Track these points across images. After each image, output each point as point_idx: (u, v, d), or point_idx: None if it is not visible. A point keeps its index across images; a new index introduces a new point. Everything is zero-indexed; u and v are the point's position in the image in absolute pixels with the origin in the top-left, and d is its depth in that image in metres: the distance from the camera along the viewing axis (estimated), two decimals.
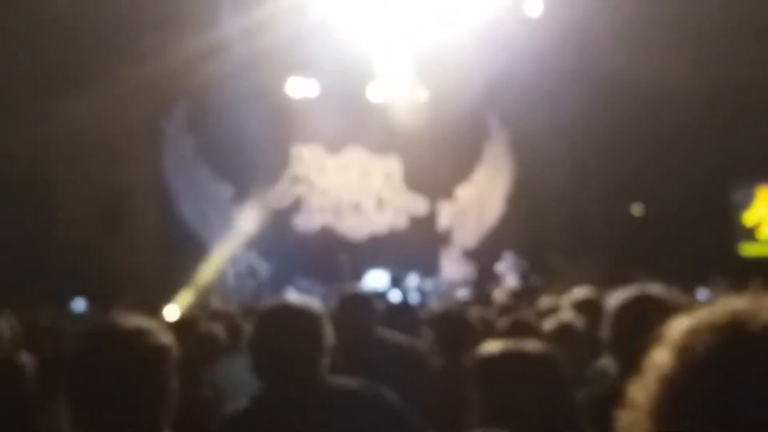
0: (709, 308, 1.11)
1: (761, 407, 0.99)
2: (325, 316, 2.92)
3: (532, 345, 2.58)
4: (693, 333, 1.07)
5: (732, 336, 1.04)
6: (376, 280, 12.20)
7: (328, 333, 2.88)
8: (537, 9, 15.09)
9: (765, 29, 15.36)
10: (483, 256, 18.08)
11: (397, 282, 5.91)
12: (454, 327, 4.76)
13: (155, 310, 11.28)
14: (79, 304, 13.52)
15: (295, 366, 2.78)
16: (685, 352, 1.06)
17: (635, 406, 1.10)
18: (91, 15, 13.54)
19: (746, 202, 19.91)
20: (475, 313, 5.99)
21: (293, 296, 3.30)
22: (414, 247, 17.75)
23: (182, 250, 16.45)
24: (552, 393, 2.45)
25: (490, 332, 4.89)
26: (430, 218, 19.06)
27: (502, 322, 5.34)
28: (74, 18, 13.47)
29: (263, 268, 16.87)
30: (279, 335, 2.80)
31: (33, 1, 13.22)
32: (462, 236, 19.22)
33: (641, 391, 1.11)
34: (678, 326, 1.11)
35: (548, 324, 4.91)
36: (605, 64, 16.48)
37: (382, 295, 4.71)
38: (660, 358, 1.10)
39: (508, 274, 16.10)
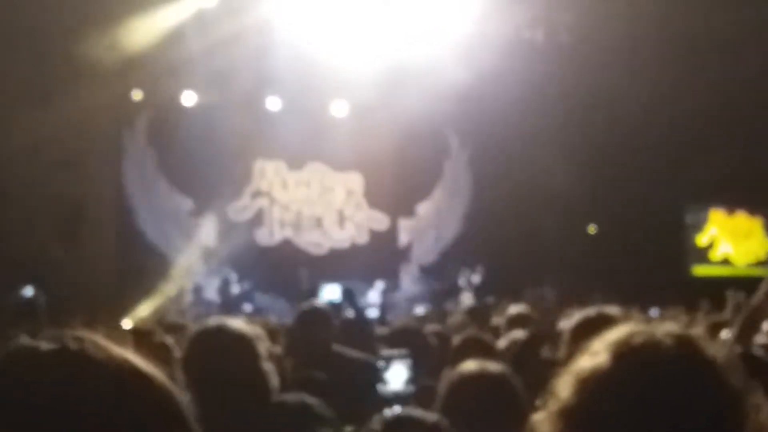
0: (618, 329, 1.21)
1: (637, 419, 1.10)
2: (258, 337, 2.88)
3: (492, 366, 2.68)
4: (595, 352, 1.18)
5: (622, 356, 1.15)
6: (330, 294, 12.21)
7: (262, 353, 2.84)
8: (499, 31, 15.29)
9: (721, 58, 15.70)
10: (441, 272, 18.22)
11: (349, 297, 5.94)
12: (410, 343, 4.83)
13: (110, 322, 11.25)
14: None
15: (227, 387, 2.70)
16: (587, 367, 1.17)
17: (548, 408, 1.20)
18: (53, 29, 13.47)
19: (699, 225, 20.36)
20: (431, 328, 6.11)
21: (224, 318, 3.11)
22: (374, 262, 17.82)
23: (140, 263, 16.32)
24: (511, 412, 2.52)
25: (445, 348, 4.99)
26: (390, 234, 19.18)
27: (457, 339, 5.45)
28: (36, 32, 13.40)
29: (232, 280, 16.81)
30: (210, 357, 2.75)
31: None
32: (421, 252, 19.36)
33: (554, 396, 1.21)
34: (593, 343, 1.22)
35: (502, 342, 5.03)
36: (565, 88, 16.73)
37: (337, 310, 4.74)
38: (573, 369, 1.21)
39: (465, 291, 16.23)
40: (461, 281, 16.58)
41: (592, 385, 1.15)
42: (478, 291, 16.00)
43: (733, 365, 1.16)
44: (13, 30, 13.63)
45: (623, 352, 1.16)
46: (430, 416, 2.16)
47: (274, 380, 2.83)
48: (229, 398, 2.69)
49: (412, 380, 4.52)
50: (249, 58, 15.03)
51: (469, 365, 2.69)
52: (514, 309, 5.86)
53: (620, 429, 1.12)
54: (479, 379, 2.62)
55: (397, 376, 4.45)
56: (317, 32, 15.03)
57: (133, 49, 14.35)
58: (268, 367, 2.82)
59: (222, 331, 2.84)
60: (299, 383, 3.63)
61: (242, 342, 2.80)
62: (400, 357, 4.60)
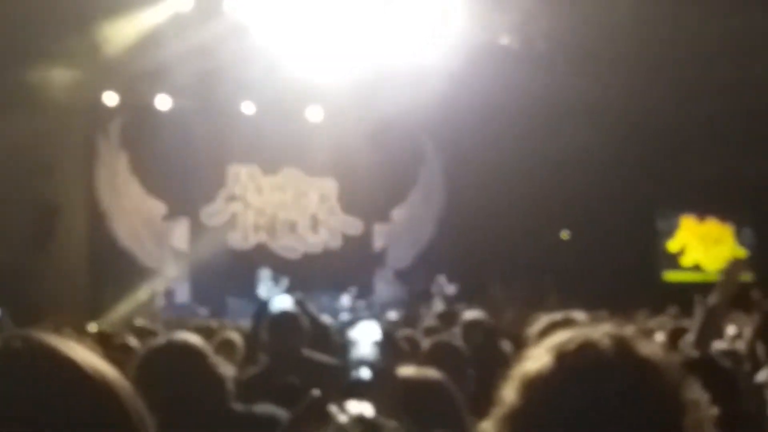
0: (563, 334, 1.26)
1: (578, 419, 1.14)
2: (209, 351, 2.87)
3: (430, 372, 2.69)
4: (538, 356, 1.22)
5: (562, 358, 1.19)
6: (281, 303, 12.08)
7: (211, 362, 2.83)
8: (472, 37, 15.38)
9: (693, 65, 15.87)
10: (415, 277, 18.29)
11: (301, 305, 5.94)
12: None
13: (81, 326, 11.19)
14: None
15: (185, 400, 2.68)
16: (530, 371, 1.21)
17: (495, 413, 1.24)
18: (26, 33, 13.37)
19: (670, 231, 20.59)
20: (402, 333, 6.14)
21: (178, 333, 3.09)
22: (348, 267, 17.87)
23: (112, 267, 16.30)
24: (447, 419, 2.54)
25: (415, 353, 5.03)
26: (365, 239, 19.23)
27: (426, 343, 5.49)
28: (8, 36, 13.30)
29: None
30: (157, 377, 2.68)
31: None
32: (396, 257, 19.43)
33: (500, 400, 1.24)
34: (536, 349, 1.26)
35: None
36: (540, 95, 16.83)
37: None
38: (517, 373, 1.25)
39: (438, 296, 16.31)
40: (434, 287, 16.65)
41: (535, 387, 1.18)
42: (452, 296, 16.08)
43: (668, 363, 1.20)
44: None
45: (563, 354, 1.19)
46: (386, 422, 2.11)
47: (230, 387, 2.82)
48: (183, 412, 2.62)
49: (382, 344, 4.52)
50: (224, 62, 15.02)
51: (406, 371, 2.68)
52: (470, 314, 5.91)
53: (563, 430, 1.15)
54: (415, 385, 2.61)
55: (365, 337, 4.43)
56: (293, 38, 15.02)
57: (108, 52, 14.28)
58: (221, 375, 2.81)
59: (165, 349, 2.82)
60: (272, 389, 3.64)
61: (189, 355, 2.78)
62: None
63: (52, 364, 0.94)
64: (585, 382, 1.16)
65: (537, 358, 1.22)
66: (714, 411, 1.23)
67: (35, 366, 0.93)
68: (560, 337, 1.24)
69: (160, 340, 2.99)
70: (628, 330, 1.24)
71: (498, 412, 1.23)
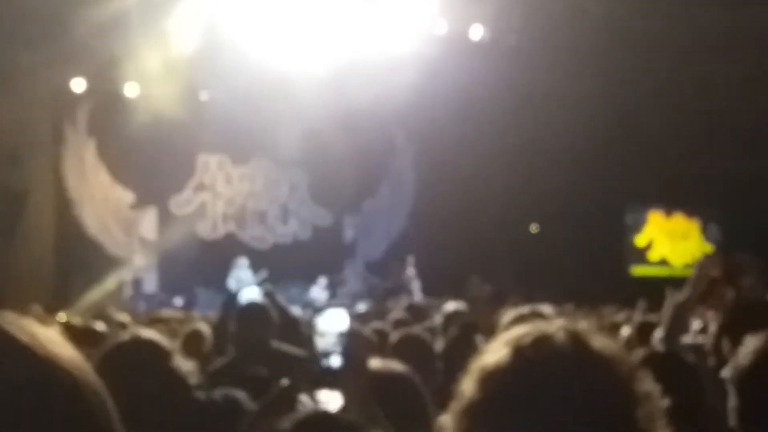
0: (521, 327, 1.29)
1: (533, 411, 1.17)
2: (172, 349, 2.88)
3: (396, 365, 2.69)
4: (496, 349, 1.25)
5: (518, 351, 1.22)
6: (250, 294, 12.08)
7: (178, 366, 2.82)
8: (444, 28, 15.44)
9: (663, 61, 16.04)
10: (386, 269, 18.33)
11: (270, 297, 5.94)
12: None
13: (49, 315, 11.10)
14: None
15: (141, 398, 2.59)
16: (488, 363, 1.23)
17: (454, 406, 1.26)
18: None
19: (638, 226, 20.80)
20: (372, 326, 6.15)
21: (141, 330, 3.10)
22: (318, 258, 17.85)
23: (80, 256, 16.22)
24: (413, 413, 2.54)
25: (384, 345, 5.04)
26: (335, 230, 19.26)
27: (395, 336, 5.50)
28: None
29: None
30: (124, 371, 2.66)
31: None
32: (366, 249, 19.47)
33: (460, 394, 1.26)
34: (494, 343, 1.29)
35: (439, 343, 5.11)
36: (510, 89, 16.96)
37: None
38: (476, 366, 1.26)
39: (407, 289, 16.35)
40: (404, 279, 16.70)
41: (492, 380, 1.21)
42: (421, 289, 16.14)
43: (621, 357, 1.22)
44: None
45: (519, 347, 1.22)
46: (345, 415, 2.17)
47: (193, 379, 2.83)
48: (145, 406, 2.59)
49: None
50: (194, 50, 14.92)
51: (372, 364, 2.69)
52: (451, 306, 5.95)
53: (519, 422, 1.17)
54: (380, 377, 2.62)
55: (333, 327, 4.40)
56: (263, 27, 14.98)
57: (76, 38, 14.14)
58: (184, 367, 2.81)
59: (129, 346, 2.83)
60: (239, 380, 3.63)
61: (152, 353, 2.78)
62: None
63: (7, 348, 0.91)
64: (540, 375, 1.19)
65: (495, 351, 1.24)
66: (666, 402, 1.25)
67: None
68: (518, 330, 1.27)
69: (124, 337, 2.99)
70: (583, 324, 1.27)
71: (456, 404, 1.24)
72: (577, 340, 1.22)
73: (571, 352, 1.20)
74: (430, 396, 3.04)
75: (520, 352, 1.22)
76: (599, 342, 1.23)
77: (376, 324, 6.58)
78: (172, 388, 2.76)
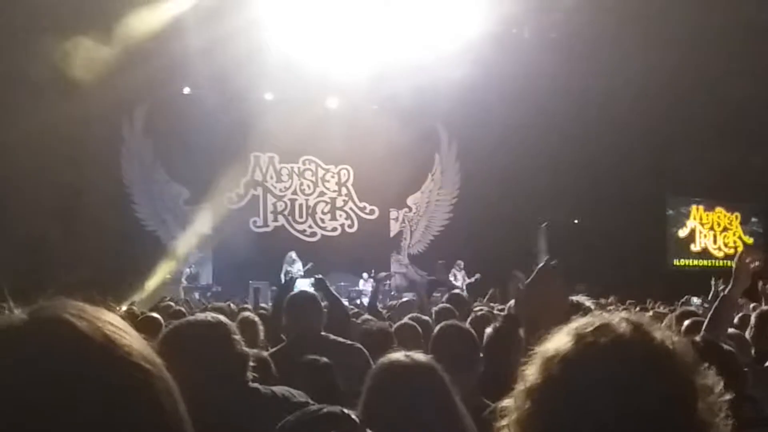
0: (580, 322, 1.31)
1: (592, 399, 1.19)
2: (234, 329, 2.91)
3: (418, 356, 2.67)
4: (559, 337, 1.28)
5: (581, 340, 1.24)
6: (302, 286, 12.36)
7: (236, 339, 2.86)
8: (487, 25, 15.51)
9: (707, 55, 15.88)
10: (431, 263, 18.50)
11: (321, 286, 6.15)
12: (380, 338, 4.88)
13: (107, 307, 11.58)
14: None
15: (208, 377, 2.70)
16: (550, 350, 1.26)
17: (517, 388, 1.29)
18: (55, 23, 13.67)
19: (680, 218, 20.84)
20: (416, 317, 6.41)
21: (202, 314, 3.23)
22: (364, 252, 18.19)
23: (137, 250, 16.71)
24: (438, 403, 2.53)
25: (427, 336, 5.27)
26: (381, 224, 19.61)
27: (437, 327, 5.76)
28: (38, 26, 13.61)
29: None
30: (186, 347, 2.74)
31: None
32: (411, 242, 19.83)
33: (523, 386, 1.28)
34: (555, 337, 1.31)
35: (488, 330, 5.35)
36: (552, 83, 16.95)
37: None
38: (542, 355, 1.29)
39: (452, 281, 16.52)
40: (449, 272, 16.77)
41: (555, 365, 1.22)
42: (467, 287, 16.23)
43: (684, 351, 1.23)
44: (16, 23, 13.87)
45: (583, 335, 1.24)
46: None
47: (250, 364, 2.87)
48: (203, 386, 2.62)
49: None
50: (247, 52, 15.24)
51: (396, 355, 2.64)
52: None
53: (578, 407, 1.19)
54: (404, 368, 2.56)
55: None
56: (311, 29, 15.27)
57: (135, 41, 14.59)
58: (245, 352, 2.86)
59: (192, 325, 2.89)
60: (301, 367, 3.73)
61: (215, 331, 2.83)
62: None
63: (72, 336, 0.91)
64: (601, 361, 1.20)
65: (557, 340, 1.26)
66: (726, 396, 1.23)
67: (53, 338, 0.91)
68: (579, 322, 1.28)
69: (183, 320, 3.08)
70: (645, 317, 1.30)
71: (519, 388, 1.26)
72: (640, 331, 1.23)
73: (634, 343, 1.21)
74: (475, 385, 3.16)
75: (581, 338, 1.24)
76: (662, 334, 1.24)
77: (421, 316, 6.84)
78: (231, 369, 2.79)
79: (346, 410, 1.95)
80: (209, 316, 2.96)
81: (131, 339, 0.96)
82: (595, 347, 1.21)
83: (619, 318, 1.26)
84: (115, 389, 0.90)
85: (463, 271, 16.79)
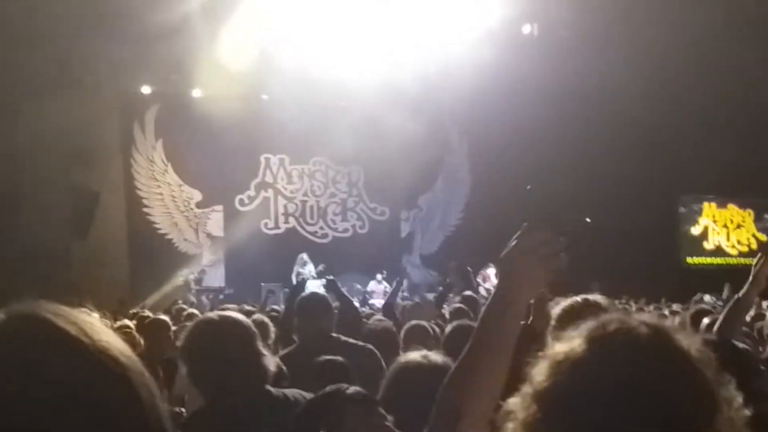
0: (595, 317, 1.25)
1: (607, 403, 1.12)
2: (253, 328, 2.93)
3: (435, 356, 2.69)
4: (570, 338, 1.22)
5: (596, 342, 1.18)
6: (313, 287, 12.35)
7: (258, 340, 2.89)
8: (496, 25, 15.51)
9: (716, 53, 15.86)
10: (443, 264, 18.46)
11: (333, 288, 6.14)
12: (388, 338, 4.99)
13: (121, 308, 11.65)
14: None
15: (230, 376, 2.76)
16: (561, 352, 1.20)
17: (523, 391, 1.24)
18: (64, 26, 13.71)
19: (692, 216, 20.77)
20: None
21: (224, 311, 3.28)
22: (376, 252, 18.21)
23: (150, 252, 16.78)
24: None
25: (439, 336, 5.30)
26: (392, 225, 19.61)
27: (449, 327, 5.80)
28: (48, 29, 13.66)
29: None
30: (208, 345, 2.81)
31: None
32: (422, 243, 19.81)
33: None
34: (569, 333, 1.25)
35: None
36: (561, 82, 16.92)
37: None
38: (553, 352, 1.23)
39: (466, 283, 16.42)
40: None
41: (565, 369, 1.16)
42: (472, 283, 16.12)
43: (707, 358, 1.16)
44: (25, 26, 13.92)
45: (597, 338, 1.18)
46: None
47: (271, 365, 2.90)
48: (226, 383, 2.75)
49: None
50: (256, 54, 15.32)
51: (412, 355, 2.67)
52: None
53: (590, 412, 1.12)
54: (420, 368, 2.59)
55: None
56: (322, 30, 15.30)
57: (143, 43, 14.62)
58: (266, 354, 2.89)
59: (218, 321, 2.93)
60: (301, 369, 3.75)
61: (237, 329, 2.86)
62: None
63: (47, 336, 0.92)
64: (616, 366, 1.13)
65: (568, 341, 1.20)
66: (748, 411, 1.16)
67: (28, 337, 0.92)
68: (591, 322, 1.22)
69: (212, 315, 3.12)
70: (668, 321, 1.25)
71: (526, 389, 1.21)
72: (661, 335, 1.17)
73: (652, 347, 1.15)
74: None
75: (595, 342, 1.17)
76: (684, 340, 1.17)
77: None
78: (251, 370, 2.81)
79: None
80: (233, 315, 3.00)
81: (108, 336, 0.97)
82: (609, 351, 1.15)
83: (636, 320, 1.19)
84: (93, 383, 0.91)
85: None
